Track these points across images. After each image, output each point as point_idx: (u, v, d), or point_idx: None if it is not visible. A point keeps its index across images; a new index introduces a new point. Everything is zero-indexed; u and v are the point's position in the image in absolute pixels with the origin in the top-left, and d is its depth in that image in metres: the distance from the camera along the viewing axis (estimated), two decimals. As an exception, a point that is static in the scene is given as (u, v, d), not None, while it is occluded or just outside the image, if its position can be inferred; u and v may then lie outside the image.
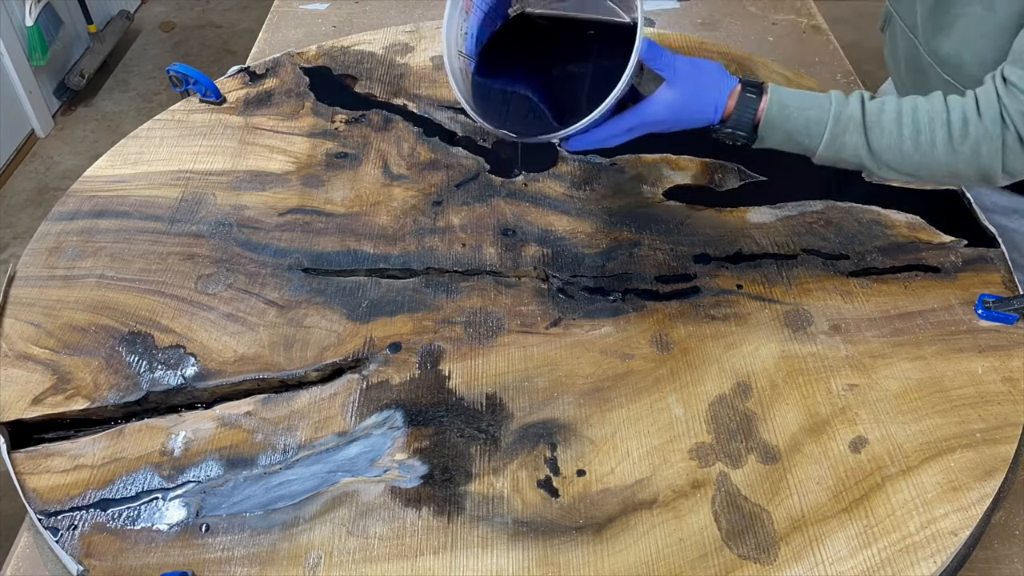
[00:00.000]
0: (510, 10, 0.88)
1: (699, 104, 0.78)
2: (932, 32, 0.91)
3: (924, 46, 0.93)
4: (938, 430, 0.76)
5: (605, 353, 0.83)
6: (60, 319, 0.87)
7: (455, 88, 0.80)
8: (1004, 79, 0.75)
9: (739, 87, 0.79)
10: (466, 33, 0.84)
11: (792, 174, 1.01)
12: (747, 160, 1.03)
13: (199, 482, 0.74)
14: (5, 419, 0.78)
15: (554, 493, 0.73)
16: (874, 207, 0.97)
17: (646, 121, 0.79)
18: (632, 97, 0.80)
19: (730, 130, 0.79)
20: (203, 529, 0.71)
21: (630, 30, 0.75)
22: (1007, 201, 0.98)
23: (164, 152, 1.06)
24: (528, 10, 0.88)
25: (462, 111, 1.10)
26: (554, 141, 0.81)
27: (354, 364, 0.83)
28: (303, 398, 0.80)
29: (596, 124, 0.77)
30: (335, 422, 0.78)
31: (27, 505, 0.73)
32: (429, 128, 1.09)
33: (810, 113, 0.78)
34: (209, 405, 0.80)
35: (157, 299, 0.89)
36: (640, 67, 0.78)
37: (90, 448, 0.77)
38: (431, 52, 1.22)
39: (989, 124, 0.74)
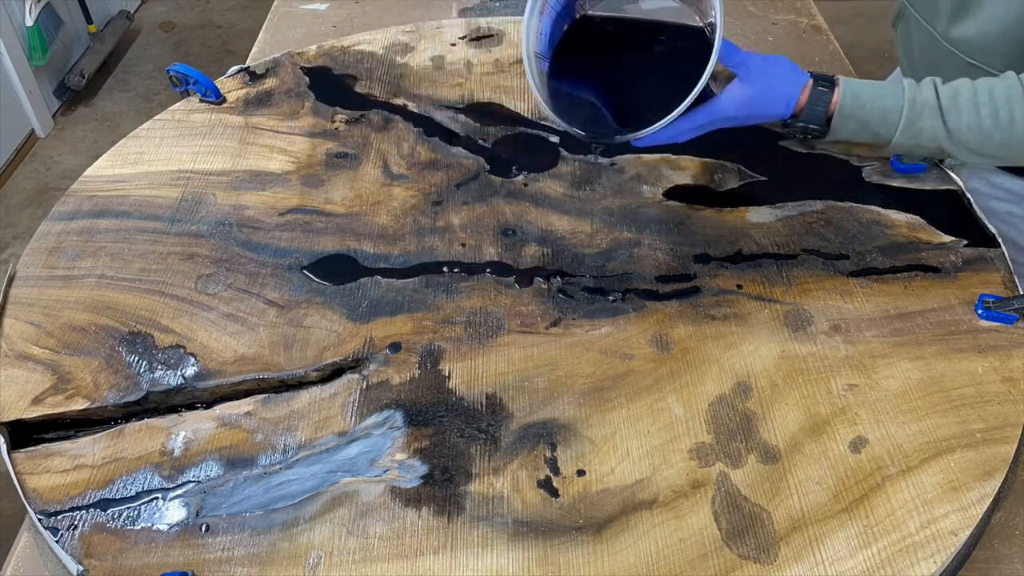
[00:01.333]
0: (576, 10, 0.89)
1: (771, 100, 0.81)
2: (953, 17, 0.92)
3: (943, 35, 0.95)
4: (938, 430, 0.76)
5: (605, 353, 0.83)
6: (60, 319, 0.87)
7: (535, 90, 0.82)
8: None
9: (811, 81, 0.81)
10: (540, 33, 0.85)
11: (792, 174, 1.01)
12: (747, 160, 1.03)
13: (199, 482, 0.74)
14: (5, 419, 0.78)
15: (554, 493, 0.73)
16: (874, 207, 0.97)
17: (716, 118, 0.82)
18: (702, 93, 0.82)
19: (802, 124, 0.82)
20: (203, 529, 0.71)
21: (698, 31, 0.77)
22: (1013, 184, 0.99)
23: (164, 152, 1.06)
24: (590, 12, 0.89)
25: (462, 111, 1.11)
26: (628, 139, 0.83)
27: (354, 364, 0.83)
28: (303, 398, 0.80)
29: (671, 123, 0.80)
30: (335, 422, 0.78)
31: (27, 505, 0.73)
32: (429, 128, 1.09)
33: (885, 102, 0.80)
34: (209, 405, 0.80)
35: (157, 299, 0.89)
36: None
37: (90, 448, 0.77)
38: (431, 52, 1.22)
39: None
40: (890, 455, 0.74)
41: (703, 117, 0.81)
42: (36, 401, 0.80)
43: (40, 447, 0.77)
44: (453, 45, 1.23)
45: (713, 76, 0.81)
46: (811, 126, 0.82)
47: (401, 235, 0.95)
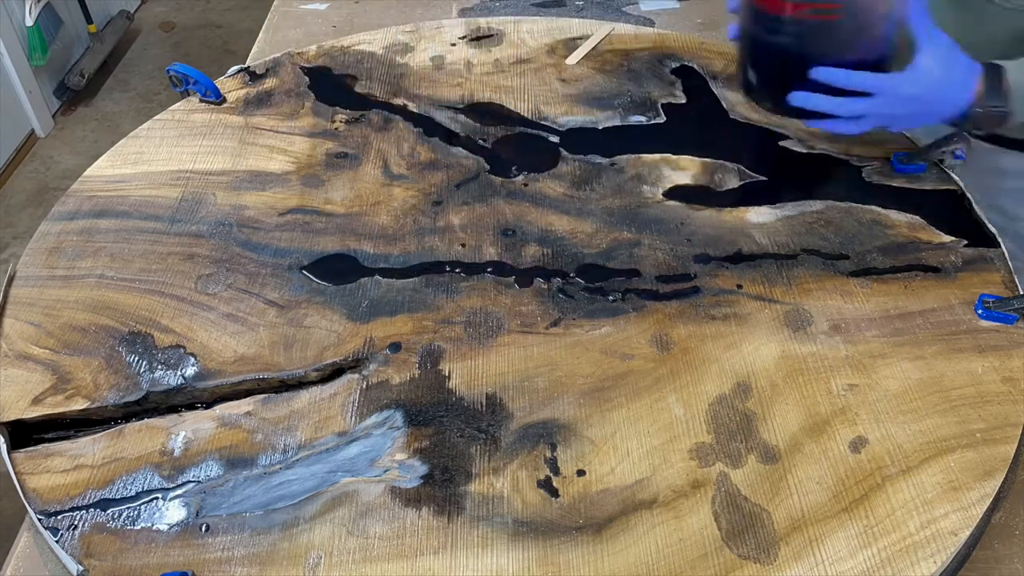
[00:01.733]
0: None
1: (953, 81, 0.79)
2: None
3: None
4: (938, 430, 0.76)
5: (605, 353, 0.83)
6: (60, 319, 0.87)
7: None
8: None
9: (980, 66, 0.80)
10: None
11: (792, 174, 1.01)
12: (747, 160, 1.03)
13: (199, 482, 0.74)
14: (5, 419, 0.78)
15: (554, 493, 0.73)
16: (874, 207, 0.97)
17: (891, 94, 0.78)
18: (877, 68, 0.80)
19: (990, 104, 0.81)
20: (203, 529, 0.71)
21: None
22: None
23: (164, 152, 1.06)
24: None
25: (462, 111, 1.11)
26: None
27: (354, 364, 0.83)
28: (303, 398, 0.80)
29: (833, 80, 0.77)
30: (335, 422, 0.78)
31: (27, 505, 0.73)
32: (429, 128, 1.09)
33: None
34: (209, 405, 0.80)
35: (157, 299, 0.89)
36: (895, 44, 0.78)
37: (90, 448, 0.77)
38: (431, 52, 1.22)
39: None
40: (890, 455, 0.74)
41: (879, 82, 0.78)
42: (36, 401, 0.80)
43: (40, 447, 0.77)
44: (453, 45, 1.23)
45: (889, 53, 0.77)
46: (997, 108, 0.80)
47: (401, 235, 0.95)
